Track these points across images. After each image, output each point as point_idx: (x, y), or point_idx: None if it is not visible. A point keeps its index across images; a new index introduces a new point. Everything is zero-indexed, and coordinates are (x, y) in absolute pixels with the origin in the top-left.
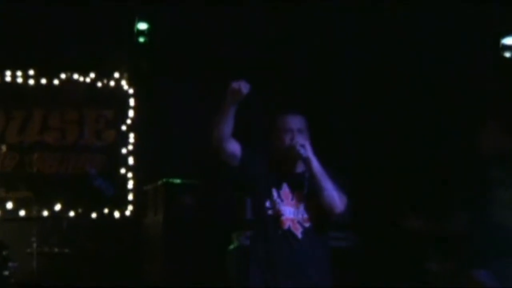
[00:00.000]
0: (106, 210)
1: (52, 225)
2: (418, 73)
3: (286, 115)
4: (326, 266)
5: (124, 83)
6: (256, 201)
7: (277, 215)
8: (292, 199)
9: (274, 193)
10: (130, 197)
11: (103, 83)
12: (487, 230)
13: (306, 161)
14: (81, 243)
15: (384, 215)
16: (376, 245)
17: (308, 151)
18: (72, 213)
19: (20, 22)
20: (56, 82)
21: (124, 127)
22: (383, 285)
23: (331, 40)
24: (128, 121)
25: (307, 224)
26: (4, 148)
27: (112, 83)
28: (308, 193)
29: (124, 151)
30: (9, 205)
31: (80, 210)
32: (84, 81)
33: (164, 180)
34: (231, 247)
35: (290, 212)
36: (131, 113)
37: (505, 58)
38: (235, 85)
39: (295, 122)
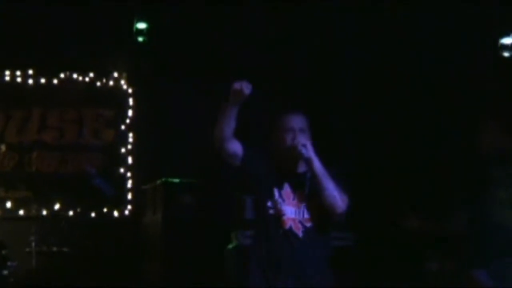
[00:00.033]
0: (105, 210)
1: (51, 225)
2: (418, 73)
3: (287, 114)
4: (328, 266)
5: (123, 82)
6: (257, 200)
7: (279, 214)
8: (293, 199)
9: (276, 193)
10: (129, 196)
11: (102, 83)
12: (487, 230)
13: (308, 161)
14: (80, 242)
15: (384, 215)
16: (376, 245)
17: (309, 151)
18: (71, 212)
19: (19, 22)
20: (55, 81)
21: (123, 127)
22: (383, 285)
23: (331, 40)
24: (127, 121)
25: (308, 224)
26: (3, 147)
27: (111, 83)
28: (309, 193)
29: (123, 150)
30: (8, 205)
31: (79, 209)
32: (83, 81)
33: (163, 179)
34: (230, 246)
35: (292, 212)
36: (130, 112)
37: (504, 58)
38: (237, 85)
39: (297, 121)
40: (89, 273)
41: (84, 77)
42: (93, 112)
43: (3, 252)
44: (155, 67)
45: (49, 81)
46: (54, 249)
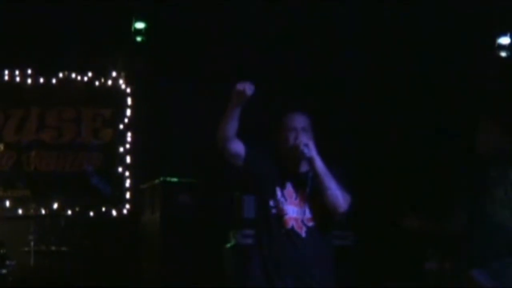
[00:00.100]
0: (103, 209)
1: (50, 224)
2: (417, 73)
3: (290, 114)
4: (330, 266)
5: (121, 82)
6: (259, 200)
7: (281, 214)
8: (295, 199)
9: (278, 193)
10: (128, 195)
11: (100, 82)
12: (486, 230)
13: (310, 160)
14: (79, 241)
15: (384, 215)
16: (376, 245)
17: (312, 151)
18: (69, 212)
19: (18, 21)
20: (53, 81)
21: (121, 126)
22: (383, 285)
23: (331, 40)
24: (126, 120)
25: (310, 224)
26: (1, 147)
27: (109, 82)
28: (311, 193)
29: (121, 149)
30: (7, 204)
31: (77, 209)
32: (82, 80)
33: (161, 178)
34: (228, 245)
35: (294, 211)
36: (128, 112)
37: (502, 58)
38: (240, 86)
39: (299, 121)
40: (87, 272)
41: (82, 77)
42: (92, 112)
43: (2, 251)
44: (154, 66)
45: (47, 80)
46: (53, 248)
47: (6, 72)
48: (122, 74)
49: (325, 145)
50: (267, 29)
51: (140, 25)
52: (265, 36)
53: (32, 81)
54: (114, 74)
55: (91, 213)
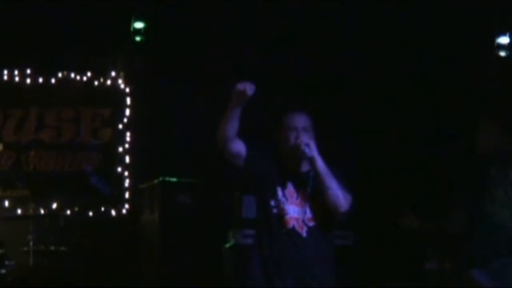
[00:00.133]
0: (102, 209)
1: (49, 223)
2: (417, 73)
3: (291, 113)
4: (330, 266)
5: (120, 81)
6: (260, 200)
7: (282, 214)
8: (296, 198)
9: (279, 192)
10: (127, 195)
11: (99, 82)
12: (486, 230)
13: (311, 160)
14: (78, 241)
15: (384, 215)
16: (376, 245)
17: (313, 150)
18: (68, 211)
19: (17, 21)
20: (53, 81)
21: (120, 126)
22: (383, 284)
23: (331, 40)
24: (125, 120)
25: (311, 223)
26: (0, 146)
27: (108, 82)
28: (312, 192)
29: (120, 149)
30: (6, 204)
31: (76, 208)
32: (81, 80)
33: (160, 178)
34: (227, 245)
35: (295, 211)
36: (127, 111)
37: (502, 57)
38: (240, 86)
39: (300, 120)
40: (86, 272)
41: (81, 77)
42: (91, 111)
43: (1, 251)
44: (153, 66)
45: (46, 80)
46: (52, 248)
47: (5, 72)
48: (121, 74)
49: (325, 145)
50: (267, 29)
51: (139, 24)
52: (265, 36)
53: (31, 81)
54: (113, 74)
55: (90, 213)
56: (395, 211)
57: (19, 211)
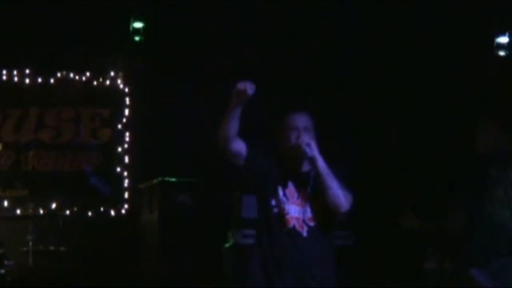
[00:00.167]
0: (102, 209)
1: (48, 223)
2: (417, 72)
3: (292, 113)
4: (331, 266)
5: (119, 81)
6: (261, 199)
7: (282, 213)
8: (297, 198)
9: (280, 192)
10: (126, 195)
11: (98, 82)
12: (486, 230)
13: (312, 160)
14: (77, 241)
15: (384, 215)
16: (376, 245)
17: (313, 150)
18: (68, 211)
19: (16, 21)
20: (52, 80)
21: (119, 126)
22: (383, 284)
23: (331, 40)
24: (124, 120)
25: (312, 223)
26: (0, 146)
27: (107, 82)
28: (313, 192)
29: (119, 149)
30: (5, 204)
31: (76, 208)
32: (80, 80)
33: (160, 178)
34: (227, 245)
35: (295, 211)
36: (126, 111)
37: (501, 57)
38: (240, 86)
39: (301, 120)
40: (86, 272)
41: (81, 77)
42: (90, 111)
43: (0, 251)
44: (152, 66)
45: (46, 80)
46: (51, 248)
47: (5, 72)
48: (121, 73)
49: (325, 145)
50: (267, 29)
51: (138, 24)
52: (265, 36)
53: (31, 81)
54: (112, 73)
55: (90, 213)
56: (395, 211)
57: (18, 211)
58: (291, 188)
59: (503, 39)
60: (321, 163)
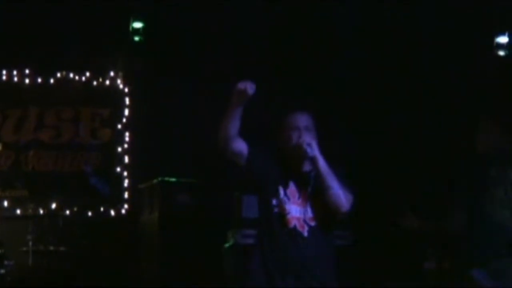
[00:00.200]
0: (101, 209)
1: (48, 224)
2: (417, 72)
3: (293, 113)
4: (331, 266)
5: (119, 81)
6: (262, 199)
7: (283, 213)
8: (298, 198)
9: (281, 192)
10: (126, 195)
11: (98, 82)
12: (486, 230)
13: (313, 159)
14: (77, 241)
15: (384, 215)
16: (376, 245)
17: (314, 150)
18: (67, 211)
19: (16, 21)
20: (51, 81)
21: (119, 126)
22: (383, 284)
23: (331, 39)
24: (124, 120)
25: (313, 223)
26: (0, 146)
27: (107, 82)
28: (313, 192)
29: (119, 149)
30: (5, 204)
31: (75, 208)
32: (80, 80)
33: (160, 178)
34: (227, 245)
35: (296, 210)
36: (126, 111)
37: (501, 57)
38: (241, 85)
39: (302, 120)
40: (86, 272)
41: (80, 77)
42: (90, 111)
43: (0, 251)
44: (152, 66)
45: (46, 80)
46: (51, 248)
47: (4, 72)
48: (120, 74)
49: (326, 145)
50: (267, 29)
51: (138, 24)
52: (265, 36)
53: (30, 81)
54: (112, 74)
55: (90, 213)
56: (395, 211)
57: (18, 211)
58: (292, 188)
59: (503, 39)
60: (322, 163)
